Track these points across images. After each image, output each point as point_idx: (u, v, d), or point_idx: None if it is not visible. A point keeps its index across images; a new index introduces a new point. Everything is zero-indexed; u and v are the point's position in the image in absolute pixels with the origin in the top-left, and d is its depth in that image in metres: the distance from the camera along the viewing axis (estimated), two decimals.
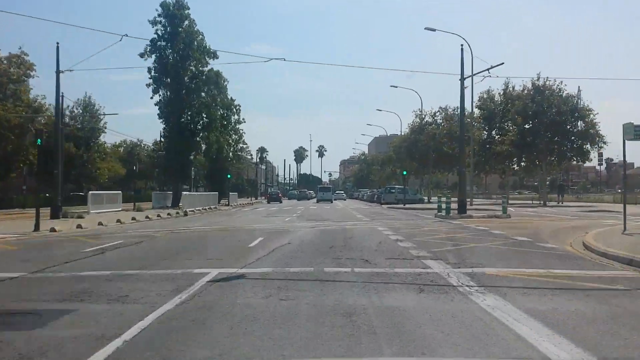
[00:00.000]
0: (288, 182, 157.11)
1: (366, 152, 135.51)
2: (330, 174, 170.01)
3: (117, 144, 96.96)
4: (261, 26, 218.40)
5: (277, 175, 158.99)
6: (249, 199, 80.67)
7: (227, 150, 61.43)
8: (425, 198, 59.44)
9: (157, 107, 46.42)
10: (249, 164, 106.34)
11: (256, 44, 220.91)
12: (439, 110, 62.42)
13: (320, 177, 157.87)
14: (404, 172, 50.40)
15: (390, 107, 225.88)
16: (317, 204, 61.84)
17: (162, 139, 47.37)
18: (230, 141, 61.64)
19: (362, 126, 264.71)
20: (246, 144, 62.48)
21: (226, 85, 61.00)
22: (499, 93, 50.77)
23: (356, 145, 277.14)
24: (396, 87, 60.70)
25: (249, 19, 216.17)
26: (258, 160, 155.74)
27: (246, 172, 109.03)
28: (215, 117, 47.83)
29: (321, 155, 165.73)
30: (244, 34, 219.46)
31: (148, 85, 46.23)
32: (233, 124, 61.50)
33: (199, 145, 47.50)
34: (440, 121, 61.44)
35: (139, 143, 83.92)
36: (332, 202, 70.22)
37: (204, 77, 47.00)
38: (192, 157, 47.96)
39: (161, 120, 46.59)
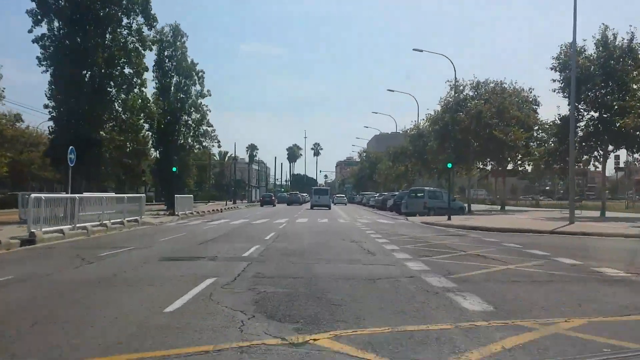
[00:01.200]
0: (280, 182, 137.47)
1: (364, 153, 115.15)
2: (326, 176, 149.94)
3: None
4: (258, 26, 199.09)
5: (267, 176, 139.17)
6: (225, 203, 60.56)
7: (184, 134, 41.81)
8: (465, 205, 39.55)
9: (39, 47, 26.45)
10: (232, 159, 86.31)
11: (254, 43, 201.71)
12: (480, 83, 42.71)
13: (315, 178, 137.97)
14: (449, 165, 30.10)
15: (394, 98, 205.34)
16: (310, 212, 42.26)
17: (49, 102, 27.08)
18: (189, 121, 42.04)
19: (362, 124, 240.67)
20: (211, 125, 42.69)
21: (185, 42, 41.77)
22: (597, 40, 31.22)
23: (356, 142, 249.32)
24: (421, 50, 39.52)
25: (245, 19, 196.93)
26: (248, 158, 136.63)
27: (229, 170, 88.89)
28: (140, 68, 27.69)
29: (317, 154, 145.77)
30: (239, 32, 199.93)
31: (30, 12, 26.31)
32: (194, 97, 42.02)
33: (112, 115, 27.10)
34: (487, 96, 41.58)
35: None
36: (329, 209, 51.01)
37: (123, 0, 26.96)
38: (103, 132, 27.79)
39: (44, 68, 26.55)
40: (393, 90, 61.12)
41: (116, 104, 27.16)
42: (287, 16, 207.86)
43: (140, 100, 28.24)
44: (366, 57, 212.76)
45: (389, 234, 19.66)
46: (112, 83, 26.90)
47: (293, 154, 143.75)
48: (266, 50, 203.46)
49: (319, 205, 53.42)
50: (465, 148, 40.57)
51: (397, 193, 46.92)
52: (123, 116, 27.54)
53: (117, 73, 26.99)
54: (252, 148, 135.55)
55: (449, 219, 28.16)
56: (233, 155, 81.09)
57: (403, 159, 56.10)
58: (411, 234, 19.46)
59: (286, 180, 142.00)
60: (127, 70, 27.26)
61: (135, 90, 28.03)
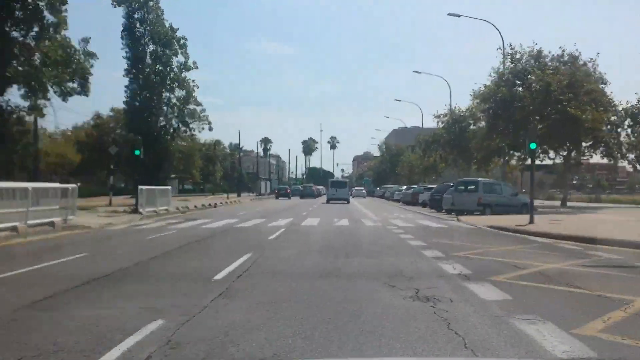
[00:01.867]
0: (295, 176, 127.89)
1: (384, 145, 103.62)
2: (342, 170, 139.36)
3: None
4: (271, 23, 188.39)
5: (281, 169, 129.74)
6: (227, 196, 50.90)
7: (167, 115, 32.54)
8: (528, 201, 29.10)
9: None
10: (239, 149, 76.85)
11: (265, 40, 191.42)
12: (542, 52, 32.05)
13: (332, 171, 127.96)
14: (532, 145, 19.16)
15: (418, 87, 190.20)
16: (325, 208, 32.87)
17: None
18: (173, 99, 32.68)
19: (381, 116, 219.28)
20: (200, 104, 33.05)
21: (158, 1, 32.50)
22: None
23: (375, 134, 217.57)
24: (458, 15, 29.36)
25: (257, 15, 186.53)
26: (262, 152, 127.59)
27: (238, 161, 79.31)
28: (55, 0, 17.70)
29: (333, 147, 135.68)
30: (253, 29, 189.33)
31: None
32: (176, 70, 32.70)
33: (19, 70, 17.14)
34: (554, 65, 31.16)
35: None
36: (348, 203, 41.86)
37: None
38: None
39: None
40: (420, 72, 51.31)
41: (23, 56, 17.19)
42: (300, 12, 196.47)
43: (60, 51, 18.30)
44: (387, 41, 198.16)
45: (471, 258, 9.67)
46: (12, 22, 16.92)
47: (308, 147, 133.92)
48: (281, 48, 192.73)
49: (336, 199, 44.16)
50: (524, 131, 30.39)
51: (432, 186, 36.84)
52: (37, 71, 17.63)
53: (24, 8, 17.00)
54: (265, 141, 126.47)
55: (532, 221, 18.08)
56: (239, 144, 70.99)
57: (435, 148, 45.69)
58: (519, 262, 9.41)
59: (302, 174, 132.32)
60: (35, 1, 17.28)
61: (56, 36, 18.12)
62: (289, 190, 61.95)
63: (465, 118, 42.01)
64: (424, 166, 57.75)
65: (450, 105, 45.53)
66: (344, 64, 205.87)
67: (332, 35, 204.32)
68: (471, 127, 42.46)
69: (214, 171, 78.47)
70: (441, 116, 43.82)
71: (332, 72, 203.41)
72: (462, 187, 26.69)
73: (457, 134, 42.54)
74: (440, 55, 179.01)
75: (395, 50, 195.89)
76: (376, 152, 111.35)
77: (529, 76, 30.76)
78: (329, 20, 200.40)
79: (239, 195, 54.77)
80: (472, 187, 26.29)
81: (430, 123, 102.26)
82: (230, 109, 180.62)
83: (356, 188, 73.09)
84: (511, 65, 30.84)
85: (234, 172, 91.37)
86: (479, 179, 27.43)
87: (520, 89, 29.90)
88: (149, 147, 31.09)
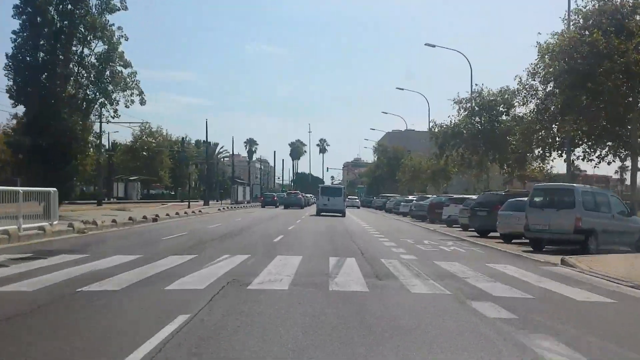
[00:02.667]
0: (282, 182, 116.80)
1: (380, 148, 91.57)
2: (332, 177, 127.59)
3: None
4: (264, 26, 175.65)
5: (267, 174, 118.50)
6: (188, 204, 39.16)
7: (78, 79, 21.28)
8: None
9: None
10: (205, 144, 65.26)
11: (259, 43, 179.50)
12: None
13: (322, 177, 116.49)
14: None
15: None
16: (313, 226, 21.70)
17: None
18: (88, 56, 21.49)
19: (376, 115, 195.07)
20: (129, 64, 21.84)
21: None
22: None
23: (370, 134, 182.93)
24: None
25: (251, 19, 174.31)
26: (247, 155, 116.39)
27: (217, 166, 67.75)
28: None
29: (323, 150, 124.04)
30: (245, 32, 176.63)
31: None
32: (94, 12, 21.45)
33: None
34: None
35: None
36: (344, 217, 31.21)
37: None
38: None
39: None
40: (434, 45, 40.24)
41: None
42: (290, 16, 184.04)
43: None
44: (388, 23, 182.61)
45: None
46: None
47: (296, 150, 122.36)
48: (269, 50, 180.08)
49: (329, 210, 33.34)
50: (615, 105, 19.28)
51: (468, 197, 25.82)
52: None
53: None
54: (251, 143, 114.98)
55: None
56: (207, 138, 58.28)
57: (457, 144, 34.34)
58: None
59: (290, 180, 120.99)
60: None
61: None
62: (275, 198, 54.97)
63: (497, 103, 31.56)
64: (432, 170, 46.74)
65: (472, 86, 34.78)
66: (337, 55, 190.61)
67: (324, 28, 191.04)
68: (503, 116, 32.09)
69: (186, 173, 67.01)
70: (463, 101, 33.08)
71: (323, 67, 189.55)
72: (542, 197, 15.49)
73: (484, 125, 32.03)
74: (455, 30, 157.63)
75: (400, 30, 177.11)
76: (369, 158, 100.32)
77: (628, 20, 19.22)
78: (322, 15, 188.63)
79: (206, 204, 43.05)
80: (562, 199, 15.04)
81: (443, 115, 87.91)
82: (216, 110, 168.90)
83: (349, 197, 62.22)
84: (598, 4, 19.62)
85: (212, 175, 79.85)
86: (575, 185, 16.13)
87: (616, 41, 18.68)
88: (45, 126, 19.90)
